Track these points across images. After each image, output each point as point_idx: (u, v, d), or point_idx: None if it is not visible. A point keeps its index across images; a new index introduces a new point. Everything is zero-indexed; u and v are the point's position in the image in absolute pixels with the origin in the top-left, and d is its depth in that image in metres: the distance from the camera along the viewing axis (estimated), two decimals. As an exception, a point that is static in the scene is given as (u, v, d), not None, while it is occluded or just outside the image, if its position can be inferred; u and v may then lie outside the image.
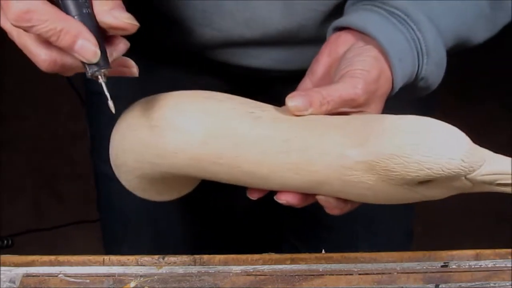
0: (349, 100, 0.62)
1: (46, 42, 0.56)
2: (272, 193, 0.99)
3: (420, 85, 0.69)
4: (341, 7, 0.73)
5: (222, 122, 0.61)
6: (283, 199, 0.64)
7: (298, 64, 0.76)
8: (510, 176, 0.59)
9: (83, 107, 0.98)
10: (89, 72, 0.57)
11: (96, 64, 0.57)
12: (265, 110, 0.63)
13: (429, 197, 0.61)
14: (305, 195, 0.63)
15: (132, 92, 0.88)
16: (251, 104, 0.63)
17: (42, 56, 0.57)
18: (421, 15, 0.66)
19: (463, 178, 0.59)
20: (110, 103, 0.60)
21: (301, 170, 0.60)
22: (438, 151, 0.57)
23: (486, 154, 0.60)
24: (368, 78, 0.63)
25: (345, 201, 0.63)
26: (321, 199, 0.63)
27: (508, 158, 0.60)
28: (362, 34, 0.66)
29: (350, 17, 0.68)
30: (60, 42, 0.55)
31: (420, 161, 0.57)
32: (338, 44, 0.67)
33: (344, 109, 0.63)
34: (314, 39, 0.75)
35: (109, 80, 0.61)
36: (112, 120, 0.91)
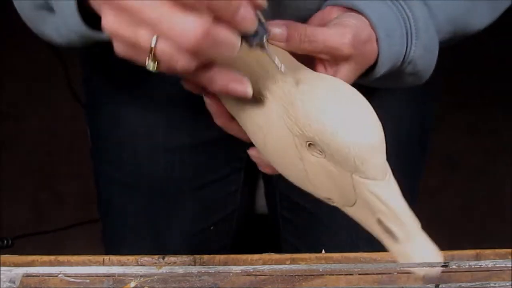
0: (333, 48, 0.60)
1: (194, 9, 0.48)
2: (273, 192, 0.99)
3: (408, 70, 0.67)
4: None
5: None
6: (208, 97, 0.61)
7: None
8: (394, 219, 0.51)
9: (83, 108, 0.98)
10: (254, 43, 0.52)
11: (256, 33, 0.52)
12: None
13: (309, 176, 0.55)
14: (229, 114, 0.61)
15: (134, 93, 0.88)
16: None
17: (192, 24, 0.47)
18: None
19: (350, 175, 0.52)
20: (278, 62, 0.55)
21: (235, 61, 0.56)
22: (347, 120, 0.52)
23: (389, 176, 0.53)
24: (359, 34, 0.61)
25: None
26: (251, 154, 0.61)
27: (406, 207, 0.52)
28: (353, 11, 0.65)
29: None
30: (226, 11, 0.48)
31: (321, 112, 0.52)
32: (331, 14, 0.66)
33: (323, 56, 0.61)
34: None
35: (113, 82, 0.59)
36: (111, 121, 0.91)
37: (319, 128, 0.52)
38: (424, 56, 0.67)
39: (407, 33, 0.65)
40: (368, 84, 0.65)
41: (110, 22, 0.50)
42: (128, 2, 0.48)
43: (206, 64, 0.52)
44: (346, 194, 0.54)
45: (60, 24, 0.64)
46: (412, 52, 0.65)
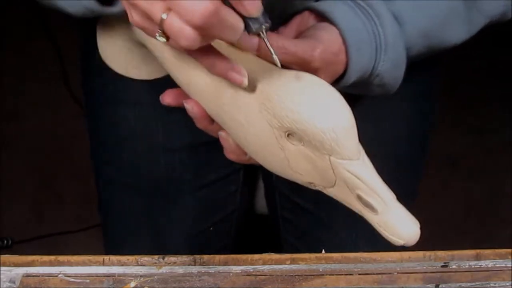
0: (303, 60, 0.63)
1: None
2: (272, 193, 0.99)
3: (376, 82, 0.69)
4: None
5: None
6: (189, 103, 0.64)
7: None
8: (372, 193, 0.55)
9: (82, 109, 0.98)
10: (254, 28, 0.56)
11: (257, 20, 0.55)
12: None
13: (291, 164, 0.59)
14: (209, 117, 0.64)
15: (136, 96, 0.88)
16: None
17: (201, 1, 0.51)
18: (386, 11, 0.68)
19: (328, 159, 0.56)
20: (276, 58, 0.59)
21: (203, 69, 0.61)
22: (319, 107, 0.56)
23: (362, 155, 0.57)
24: (329, 47, 0.64)
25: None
26: (221, 135, 0.64)
27: (380, 181, 0.56)
28: (327, 20, 0.67)
29: (319, 3, 0.69)
30: None
31: (296, 103, 0.56)
32: (309, 20, 0.69)
33: (293, 67, 0.63)
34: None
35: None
36: (111, 121, 0.91)
37: (295, 117, 0.56)
38: (391, 71, 0.69)
39: (376, 48, 0.67)
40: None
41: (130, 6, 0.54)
42: None
43: (210, 49, 0.56)
44: (326, 177, 0.57)
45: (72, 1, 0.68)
46: (380, 66, 0.68)
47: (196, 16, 0.51)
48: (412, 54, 0.71)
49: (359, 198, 0.56)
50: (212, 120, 0.64)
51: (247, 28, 0.56)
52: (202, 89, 0.63)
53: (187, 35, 0.53)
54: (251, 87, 0.59)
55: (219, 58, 0.57)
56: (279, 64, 0.60)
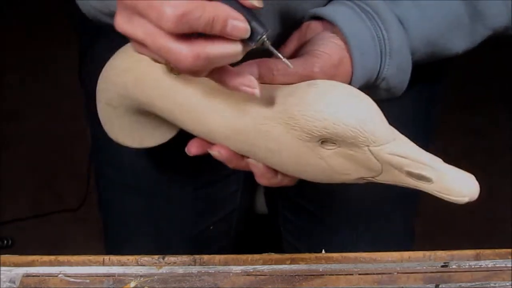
0: (304, 78, 0.63)
1: (184, 37, 0.54)
2: (273, 192, 0.99)
3: (382, 86, 0.70)
4: None
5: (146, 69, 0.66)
6: (215, 150, 0.65)
7: None
8: (419, 165, 0.57)
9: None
10: (253, 43, 0.56)
11: (254, 34, 0.56)
12: None
13: (335, 169, 0.60)
14: (238, 155, 0.64)
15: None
16: None
17: (184, 52, 0.54)
18: (391, 15, 0.68)
19: (367, 149, 0.57)
20: (285, 60, 0.60)
21: (225, 112, 0.62)
22: (340, 107, 0.57)
23: (397, 134, 0.59)
24: (328, 61, 0.65)
25: (275, 172, 0.63)
26: (250, 161, 0.64)
27: (423, 151, 0.58)
28: (330, 24, 0.67)
29: (323, 8, 0.69)
30: (213, 30, 0.54)
31: (318, 111, 0.57)
32: (308, 31, 0.69)
33: None
34: None
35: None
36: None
37: (323, 124, 0.57)
38: (397, 75, 0.69)
39: (381, 52, 0.67)
40: None
41: (135, 47, 0.57)
42: (136, 33, 0.54)
43: (218, 69, 0.57)
44: (371, 166, 0.58)
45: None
46: (385, 70, 0.68)
47: (181, 65, 0.54)
48: (414, 59, 0.71)
49: (410, 174, 0.57)
50: (242, 157, 0.65)
51: (247, 45, 0.56)
52: (223, 133, 0.63)
53: (189, 74, 0.57)
54: (269, 112, 0.60)
55: (229, 74, 0.58)
56: (290, 65, 0.60)
